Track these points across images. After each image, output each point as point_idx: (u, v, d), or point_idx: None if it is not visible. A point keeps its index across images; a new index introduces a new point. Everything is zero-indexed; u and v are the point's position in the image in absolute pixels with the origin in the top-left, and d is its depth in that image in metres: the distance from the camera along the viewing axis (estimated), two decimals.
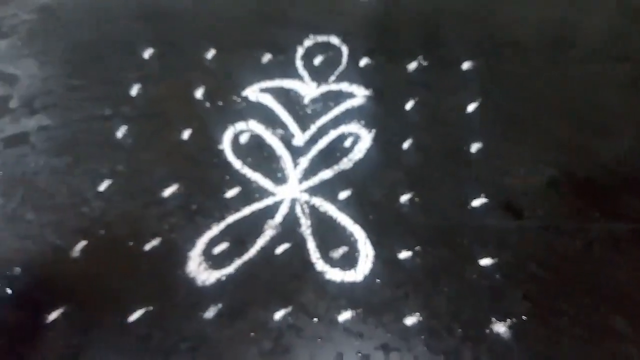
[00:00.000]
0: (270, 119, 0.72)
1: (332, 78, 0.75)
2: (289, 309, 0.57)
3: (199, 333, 0.56)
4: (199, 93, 0.74)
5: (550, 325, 0.55)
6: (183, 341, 0.56)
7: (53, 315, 0.58)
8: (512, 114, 0.70)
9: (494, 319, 0.55)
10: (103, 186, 0.67)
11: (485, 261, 0.58)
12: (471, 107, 0.70)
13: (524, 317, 0.55)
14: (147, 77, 0.77)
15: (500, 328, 0.54)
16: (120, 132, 0.71)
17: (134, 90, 0.76)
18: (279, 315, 0.56)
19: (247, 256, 0.61)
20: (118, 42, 0.82)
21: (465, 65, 0.75)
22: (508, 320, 0.55)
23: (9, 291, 0.61)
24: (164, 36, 0.82)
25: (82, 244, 0.63)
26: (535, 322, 0.55)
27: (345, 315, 0.56)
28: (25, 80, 0.79)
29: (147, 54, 0.80)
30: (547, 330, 0.54)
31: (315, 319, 0.56)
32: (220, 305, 0.58)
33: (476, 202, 0.62)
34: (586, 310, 0.55)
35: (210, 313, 0.57)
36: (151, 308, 0.58)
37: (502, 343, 0.54)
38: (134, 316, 0.57)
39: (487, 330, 0.54)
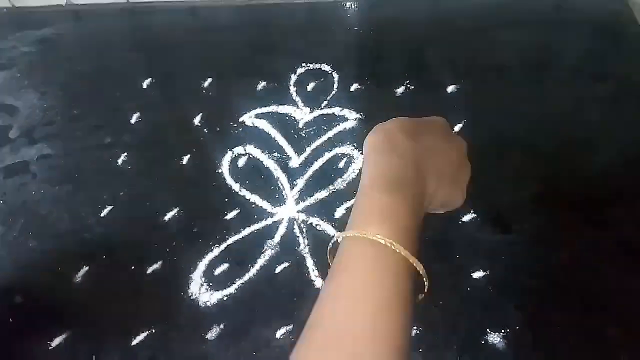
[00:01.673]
0: (266, 143, 0.74)
1: (325, 103, 0.78)
2: (290, 326, 0.58)
3: (202, 354, 0.57)
4: (197, 120, 0.77)
5: (544, 335, 0.57)
6: None
7: (56, 341, 0.59)
8: (496, 132, 0.73)
9: (488, 331, 0.57)
10: (104, 212, 0.68)
11: (478, 274, 0.61)
12: (457, 127, 0.73)
13: (517, 328, 0.57)
14: (146, 106, 0.80)
15: (495, 339, 0.56)
16: (121, 160, 0.74)
17: (134, 119, 0.78)
18: (280, 333, 0.58)
19: (247, 276, 0.63)
20: (117, 72, 0.85)
21: (450, 88, 0.78)
22: (502, 331, 0.57)
23: (10, 319, 0.61)
24: (162, 66, 0.85)
25: (85, 269, 0.64)
26: (528, 333, 0.57)
27: None
28: (25, 110, 0.81)
29: (146, 83, 0.82)
30: (541, 339, 0.56)
31: None
32: (222, 326, 0.59)
33: (466, 218, 0.65)
34: (578, 320, 0.58)
35: (212, 334, 0.58)
36: (154, 331, 0.59)
37: (498, 354, 0.55)
38: (138, 339, 0.58)
39: (483, 342, 0.56)
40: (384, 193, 0.36)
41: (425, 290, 0.39)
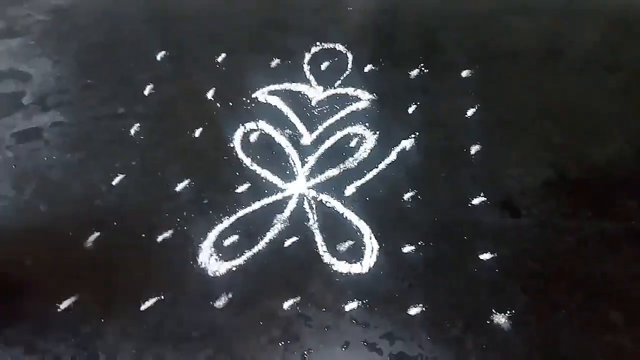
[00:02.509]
0: (278, 120, 0.74)
1: (338, 82, 0.78)
2: (298, 299, 0.59)
3: (209, 322, 0.58)
4: (209, 94, 0.77)
5: (548, 317, 0.57)
6: (194, 329, 0.57)
7: (65, 304, 0.60)
8: (509, 118, 0.73)
9: (494, 311, 0.57)
10: (116, 180, 0.69)
11: (485, 256, 0.61)
12: (470, 112, 0.73)
13: (522, 309, 0.57)
14: (160, 78, 0.79)
15: (501, 319, 0.57)
16: (134, 130, 0.74)
17: (147, 90, 0.78)
18: (287, 304, 0.58)
19: (256, 248, 0.63)
20: (131, 44, 0.85)
21: (464, 73, 0.78)
22: (508, 312, 0.57)
23: (20, 280, 0.62)
24: (176, 39, 0.85)
25: (95, 235, 0.64)
26: (533, 315, 0.57)
27: (351, 306, 0.58)
28: (38, 78, 0.81)
29: (159, 55, 0.82)
30: (544, 322, 0.57)
31: (323, 309, 0.58)
32: (230, 295, 0.59)
33: (476, 201, 0.65)
34: (581, 304, 0.58)
35: (220, 302, 0.59)
36: (163, 297, 0.59)
37: (502, 334, 0.56)
38: (146, 305, 0.59)
39: (488, 322, 0.57)
40: None
41: None
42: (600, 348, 0.56)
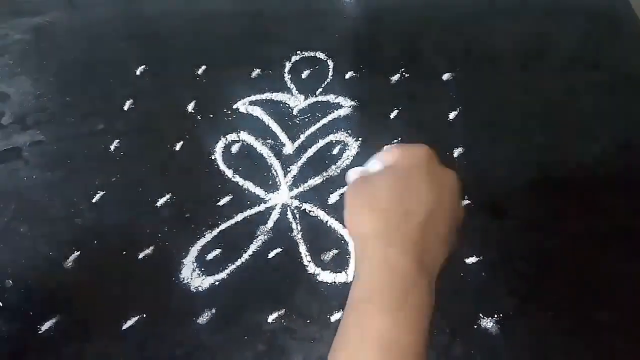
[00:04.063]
0: (260, 130, 0.74)
1: (319, 90, 0.78)
2: (282, 311, 0.58)
3: (193, 338, 0.57)
4: (190, 107, 0.77)
5: (537, 319, 0.57)
6: (178, 347, 0.56)
7: (46, 326, 0.59)
8: (491, 120, 0.73)
9: (481, 315, 0.56)
10: (96, 198, 0.68)
11: (471, 260, 0.60)
12: (452, 115, 0.73)
13: (510, 313, 0.57)
14: (139, 93, 0.79)
15: (488, 324, 0.56)
16: (113, 146, 0.73)
17: (127, 106, 0.78)
18: (272, 318, 0.57)
19: (240, 261, 0.62)
20: (110, 60, 0.84)
21: (445, 76, 0.78)
22: (495, 316, 0.56)
23: (0, 304, 0.61)
24: (155, 54, 0.85)
25: (76, 254, 0.63)
26: (521, 317, 0.57)
27: (337, 316, 0.57)
28: (17, 97, 0.81)
29: (139, 70, 0.82)
30: (533, 324, 0.56)
31: (308, 320, 0.57)
32: (214, 311, 0.58)
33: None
34: (570, 304, 0.57)
35: (204, 318, 0.58)
36: (145, 315, 0.58)
37: (491, 338, 0.55)
38: (128, 324, 0.58)
39: (476, 326, 0.56)
40: (378, 312, 0.31)
41: None
42: (591, 348, 0.55)
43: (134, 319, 0.58)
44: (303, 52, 0.83)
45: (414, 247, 0.33)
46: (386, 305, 0.31)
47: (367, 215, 0.35)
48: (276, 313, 0.58)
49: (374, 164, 0.41)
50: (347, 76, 0.80)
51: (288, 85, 0.79)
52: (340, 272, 0.61)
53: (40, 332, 0.58)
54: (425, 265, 0.33)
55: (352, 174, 0.43)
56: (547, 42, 0.83)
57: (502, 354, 0.54)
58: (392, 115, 0.74)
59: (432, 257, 0.34)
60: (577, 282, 0.59)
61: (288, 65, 0.82)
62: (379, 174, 0.38)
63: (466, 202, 0.65)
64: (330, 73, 0.80)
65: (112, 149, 0.73)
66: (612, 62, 0.79)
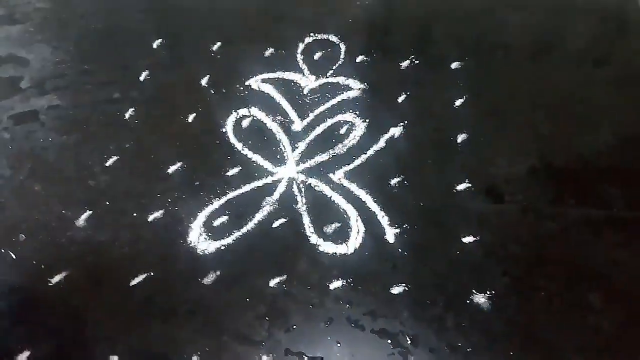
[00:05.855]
0: (271, 107, 0.76)
1: (330, 72, 0.80)
2: (284, 277, 0.60)
3: (198, 297, 0.59)
4: (204, 81, 0.79)
5: (528, 299, 0.59)
6: (183, 304, 0.59)
7: (56, 279, 0.61)
8: (496, 108, 0.75)
9: (474, 291, 0.58)
10: (110, 162, 0.70)
11: (468, 239, 0.62)
12: (459, 102, 0.75)
13: (503, 291, 0.58)
14: (156, 65, 0.81)
15: (481, 299, 0.58)
16: (128, 114, 0.75)
17: (142, 77, 0.80)
18: (274, 282, 0.60)
19: (245, 229, 0.65)
20: (128, 31, 0.86)
21: (454, 65, 0.80)
22: (488, 292, 0.58)
23: (13, 256, 0.63)
24: (172, 28, 0.87)
25: (87, 213, 0.66)
26: (513, 296, 0.59)
27: (336, 284, 0.60)
28: (37, 63, 0.83)
29: (156, 44, 0.84)
30: (524, 303, 0.58)
31: (308, 287, 0.59)
32: (218, 273, 0.61)
33: (461, 187, 0.67)
34: (562, 287, 0.59)
35: (209, 279, 0.60)
36: (152, 274, 0.61)
37: (482, 313, 0.57)
38: (136, 280, 0.60)
39: (468, 301, 0.58)
40: None
41: None
42: (578, 328, 0.57)
43: (142, 277, 0.60)
44: (316, 34, 0.85)
45: None
46: None
47: None
48: (278, 278, 0.60)
49: None
50: (357, 60, 0.82)
51: (300, 66, 0.81)
52: (341, 244, 0.63)
53: (50, 284, 0.61)
54: None
55: None
56: (557, 36, 0.84)
57: (493, 328, 0.56)
58: (399, 100, 0.76)
59: None
60: (570, 267, 0.61)
61: (301, 46, 0.84)
62: None
63: (466, 185, 0.67)
64: (342, 56, 0.82)
65: (127, 117, 0.75)
66: (620, 58, 0.81)
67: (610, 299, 0.58)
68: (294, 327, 0.57)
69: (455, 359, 0.54)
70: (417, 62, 0.81)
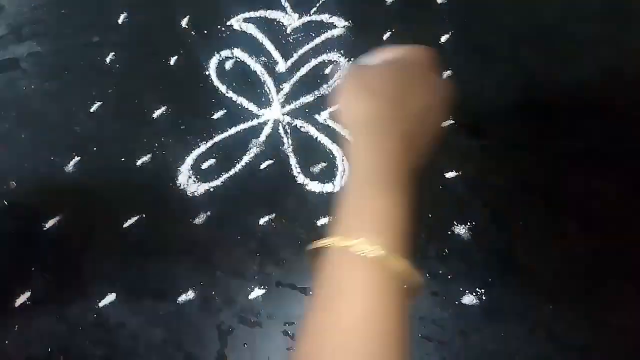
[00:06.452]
0: (254, 47, 0.75)
1: (314, 10, 0.78)
2: (273, 215, 0.62)
3: (190, 236, 0.61)
4: (184, 22, 0.77)
5: (507, 228, 0.61)
6: (176, 243, 0.61)
7: (50, 223, 0.63)
8: (481, 44, 0.74)
9: (455, 223, 0.61)
10: (94, 107, 0.70)
11: (450, 174, 0.64)
12: (444, 38, 0.74)
13: (483, 222, 0.61)
14: (133, 7, 0.79)
15: (461, 230, 0.60)
16: (109, 58, 0.74)
17: (121, 19, 0.78)
18: (263, 220, 0.62)
19: (233, 171, 0.66)
20: None
21: (439, 0, 0.78)
22: (468, 224, 0.61)
23: (5, 203, 0.64)
24: None
25: (76, 159, 0.66)
26: (493, 226, 0.61)
27: (323, 221, 0.62)
28: (12, 9, 0.80)
29: None
30: (503, 233, 0.61)
31: (296, 223, 0.61)
32: (209, 213, 0.63)
33: (444, 123, 0.67)
34: (542, 216, 0.62)
35: (200, 219, 0.62)
36: (144, 216, 0.62)
37: (463, 243, 0.60)
38: (129, 223, 0.62)
39: (449, 232, 0.60)
40: (378, 193, 0.31)
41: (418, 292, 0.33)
42: (557, 254, 0.60)
43: (133, 219, 0.62)
44: None
45: (402, 135, 0.35)
46: (380, 184, 0.32)
47: (361, 100, 0.36)
48: (267, 217, 0.62)
49: (373, 57, 0.42)
50: None
51: (282, 4, 0.79)
52: (328, 182, 0.65)
53: (44, 228, 0.62)
54: (412, 153, 0.36)
55: (350, 66, 0.43)
56: None
57: (473, 255, 0.59)
58: (384, 37, 0.75)
59: (417, 148, 0.36)
60: (549, 198, 0.63)
61: None
62: (377, 65, 0.40)
63: (450, 122, 0.67)
64: None
65: (107, 62, 0.74)
66: None
67: (586, 225, 0.61)
68: (284, 261, 0.60)
69: (436, 284, 0.57)
70: None
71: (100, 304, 0.58)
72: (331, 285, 0.30)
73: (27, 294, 0.59)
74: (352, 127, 0.37)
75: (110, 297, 0.58)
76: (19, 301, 0.59)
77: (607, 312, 0.56)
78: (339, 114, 0.39)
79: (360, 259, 0.28)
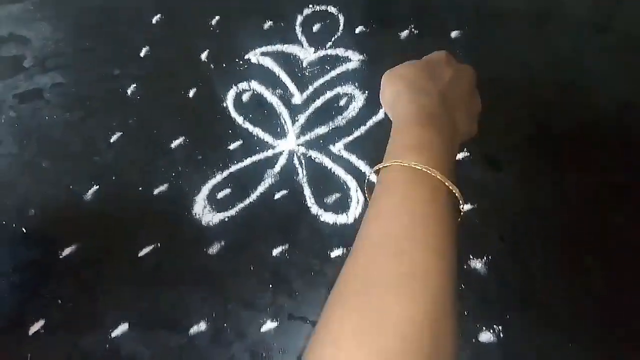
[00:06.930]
0: (270, 80, 0.76)
1: (329, 44, 0.80)
2: (286, 246, 0.62)
3: (203, 266, 0.61)
4: (203, 55, 0.79)
5: (524, 263, 0.60)
6: (190, 273, 0.61)
7: (66, 252, 0.63)
8: (496, 77, 0.74)
9: (471, 256, 0.60)
10: (114, 138, 0.72)
11: (465, 207, 0.63)
12: None
13: (499, 256, 0.60)
14: (155, 41, 0.81)
15: (477, 264, 0.60)
16: (130, 90, 0.76)
17: (143, 53, 0.80)
18: (276, 251, 0.62)
19: (248, 201, 0.66)
20: (127, 7, 0.86)
21: (454, 34, 0.80)
22: (484, 258, 0.60)
23: (23, 230, 0.65)
24: (171, 3, 0.86)
25: (95, 188, 0.68)
26: (509, 260, 0.60)
27: (337, 252, 0.61)
28: (37, 42, 0.84)
29: (155, 19, 0.84)
30: (520, 267, 0.60)
31: (310, 255, 0.61)
32: (223, 243, 0.63)
33: (459, 156, 0.67)
34: (558, 251, 0.61)
35: (214, 249, 0.62)
36: (159, 245, 0.63)
37: (479, 277, 0.59)
38: (144, 251, 0.62)
39: (465, 266, 0.60)
40: (418, 127, 0.37)
41: (462, 213, 0.39)
42: (573, 288, 0.58)
43: (149, 248, 0.63)
44: (315, 6, 0.84)
45: (441, 97, 0.42)
46: (419, 122, 0.39)
47: (399, 81, 0.46)
48: (280, 247, 0.62)
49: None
50: (357, 31, 0.81)
51: (299, 38, 0.81)
52: (342, 213, 0.65)
53: (60, 257, 0.63)
54: (453, 118, 0.42)
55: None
56: (555, 4, 0.83)
57: (490, 291, 0.58)
58: None
59: (456, 115, 0.43)
60: (566, 232, 0.62)
61: (300, 18, 0.83)
62: (407, 63, 0.49)
63: (465, 154, 0.68)
64: (341, 27, 0.82)
65: (128, 93, 0.76)
66: (619, 25, 0.80)
67: (605, 261, 0.60)
68: (297, 293, 0.59)
69: None
70: (416, 31, 0.81)
71: (113, 334, 0.58)
72: (378, 188, 0.36)
73: (42, 322, 0.59)
74: (392, 101, 0.45)
75: (123, 327, 0.58)
76: (33, 329, 0.59)
77: (631, 352, 0.54)
78: (383, 106, 0.49)
79: (402, 169, 0.34)
